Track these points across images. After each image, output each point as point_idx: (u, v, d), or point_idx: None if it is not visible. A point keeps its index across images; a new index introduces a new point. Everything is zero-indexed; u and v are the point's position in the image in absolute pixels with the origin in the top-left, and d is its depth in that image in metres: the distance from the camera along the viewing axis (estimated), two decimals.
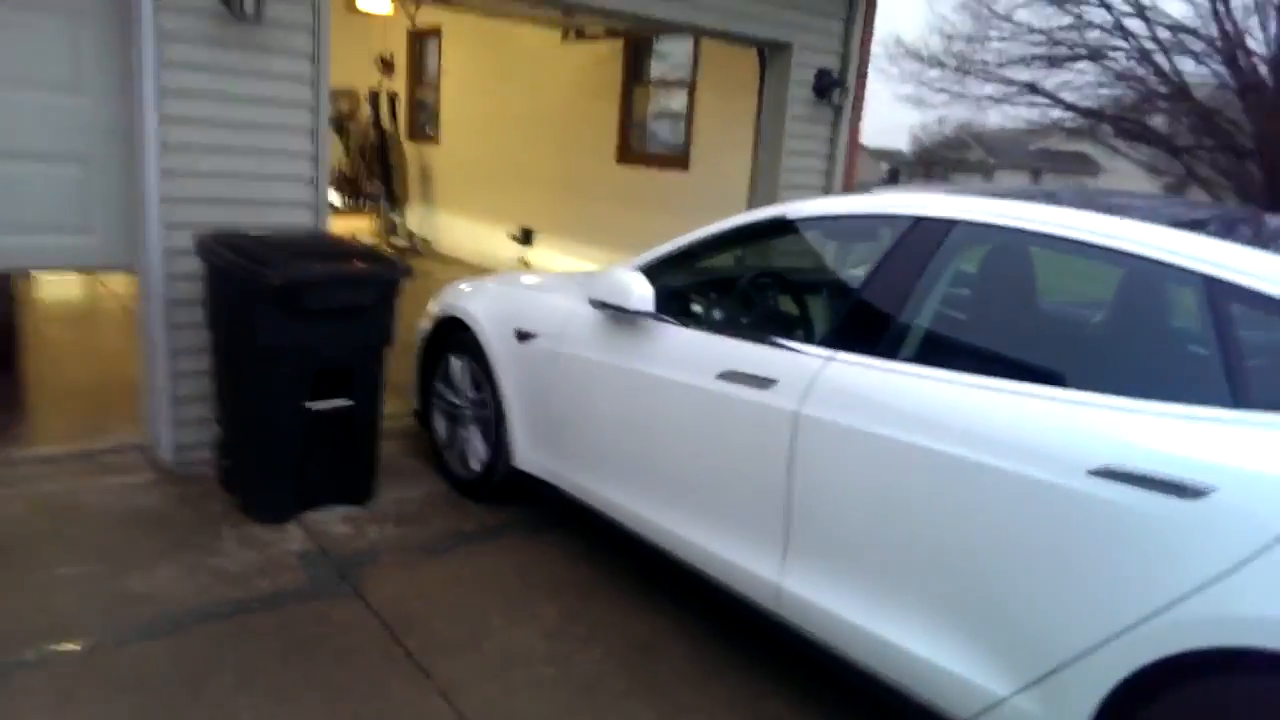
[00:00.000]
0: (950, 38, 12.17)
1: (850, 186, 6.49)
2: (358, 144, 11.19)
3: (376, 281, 3.63)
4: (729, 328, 3.10)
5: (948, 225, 2.59)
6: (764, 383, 2.70)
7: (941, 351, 2.48)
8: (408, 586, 3.28)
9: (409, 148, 10.87)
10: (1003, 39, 11.67)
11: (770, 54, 6.00)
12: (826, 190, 6.31)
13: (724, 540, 2.84)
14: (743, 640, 3.03)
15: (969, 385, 2.29)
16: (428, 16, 9.91)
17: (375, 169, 10.70)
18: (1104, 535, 1.97)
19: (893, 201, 2.83)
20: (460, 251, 10.17)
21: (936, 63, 12.43)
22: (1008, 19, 11.40)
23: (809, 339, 2.94)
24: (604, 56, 8.08)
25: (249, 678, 2.67)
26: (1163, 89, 13.22)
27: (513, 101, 9.21)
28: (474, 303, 3.98)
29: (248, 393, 3.64)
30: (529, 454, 3.71)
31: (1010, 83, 12.01)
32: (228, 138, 4.00)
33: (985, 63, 11.90)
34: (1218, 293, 2.07)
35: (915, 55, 12.58)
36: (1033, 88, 12.09)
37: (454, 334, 4.05)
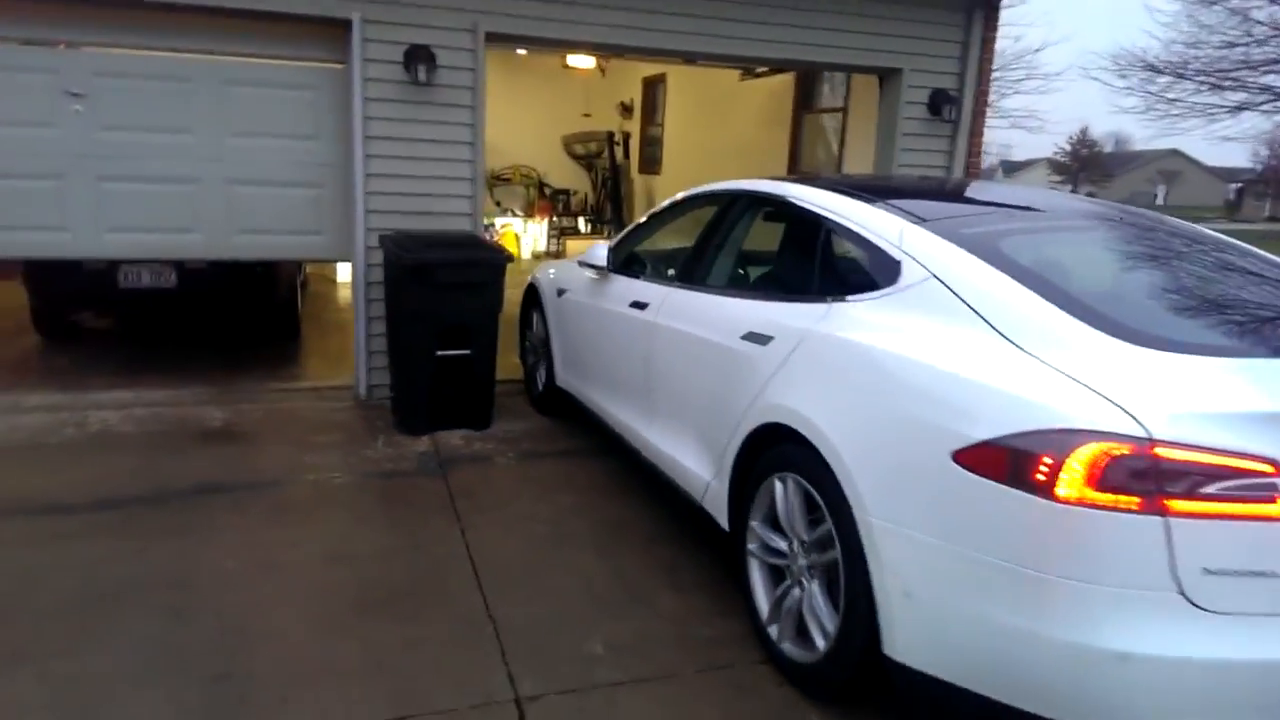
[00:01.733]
0: (1193, 45, 11.44)
1: None
2: (600, 178, 13.03)
3: (485, 265, 5.04)
4: (640, 275, 4.46)
5: (733, 196, 3.93)
6: (644, 307, 4.10)
7: (691, 276, 3.96)
8: (478, 476, 4.62)
9: (640, 180, 12.50)
10: (1245, 43, 10.82)
11: (884, 78, 6.75)
12: None
13: (630, 412, 4.24)
14: (683, 524, 3.99)
15: (695, 294, 3.80)
16: (656, 65, 11.45)
17: (609, 198, 12.45)
18: (740, 367, 3.21)
19: (727, 184, 4.10)
20: None
21: (1172, 71, 11.73)
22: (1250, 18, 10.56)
23: (670, 279, 4.14)
24: (778, 90, 9.10)
25: (355, 506, 4.14)
26: None
27: (711, 134, 10.48)
28: (540, 273, 5.65)
29: (399, 343, 5.20)
30: (563, 375, 5.24)
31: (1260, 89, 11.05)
32: (410, 168, 5.64)
33: (1222, 70, 11.08)
34: (824, 227, 3.24)
35: (1150, 66, 11.95)
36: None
37: (531, 296, 5.70)
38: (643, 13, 5.84)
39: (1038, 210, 3.57)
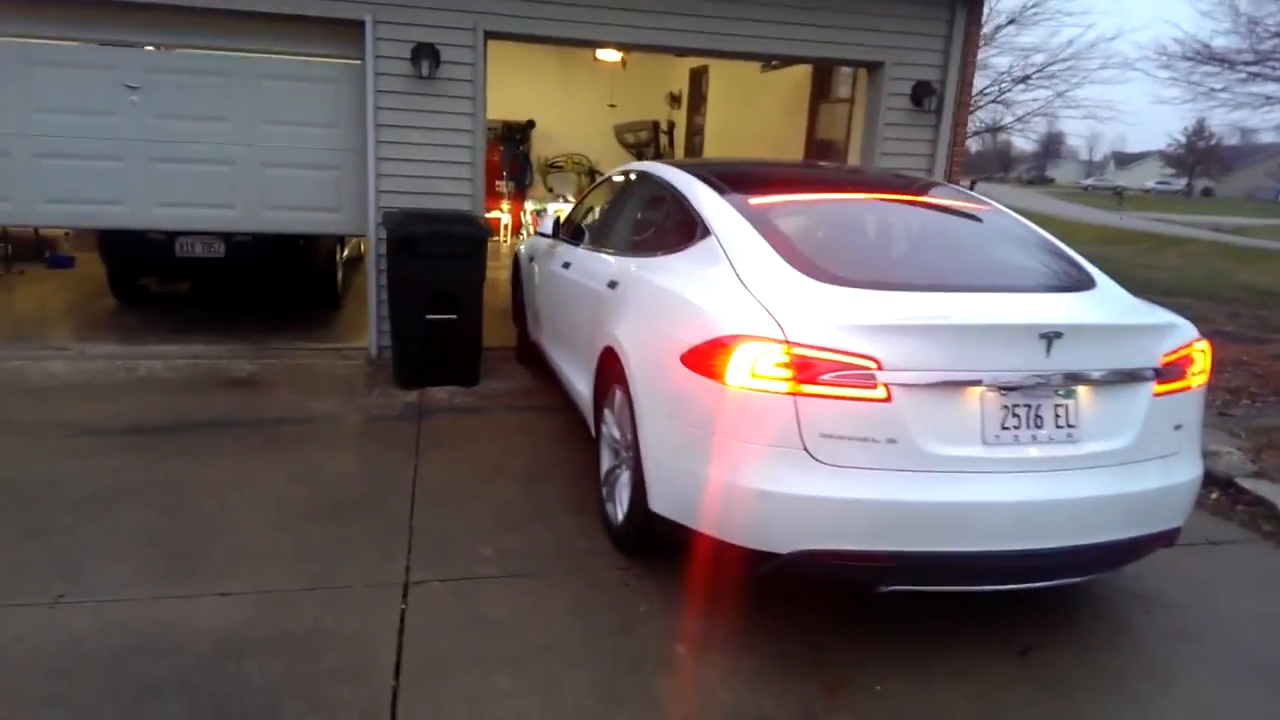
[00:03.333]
0: (1247, 28, 11.06)
1: (955, 184, 7.28)
2: None
3: (464, 238, 5.69)
4: (572, 240, 5.17)
5: (628, 174, 4.67)
6: (567, 265, 4.79)
7: (595, 239, 4.78)
8: (449, 423, 5.28)
9: None
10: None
11: (870, 70, 7.12)
12: None
13: (557, 350, 5.17)
14: None
15: (591, 253, 4.61)
16: (700, 56, 11.91)
17: None
18: (602, 306, 3.98)
19: (628, 165, 4.91)
20: None
21: (1215, 59, 11.41)
22: None
23: (583, 241, 4.83)
24: (800, 81, 9.48)
25: (334, 442, 4.85)
26: None
27: (743, 123, 10.91)
28: (522, 245, 6.44)
29: (395, 308, 5.90)
30: (533, 329, 5.97)
31: None
32: (416, 153, 6.34)
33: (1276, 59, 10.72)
34: (668, 197, 3.98)
35: (1200, 54, 11.65)
36: None
37: (515, 264, 6.50)
38: (629, 10, 6.37)
39: (828, 184, 4.34)
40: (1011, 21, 19.98)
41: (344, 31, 6.15)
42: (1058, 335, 2.69)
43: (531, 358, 6.25)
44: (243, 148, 6.29)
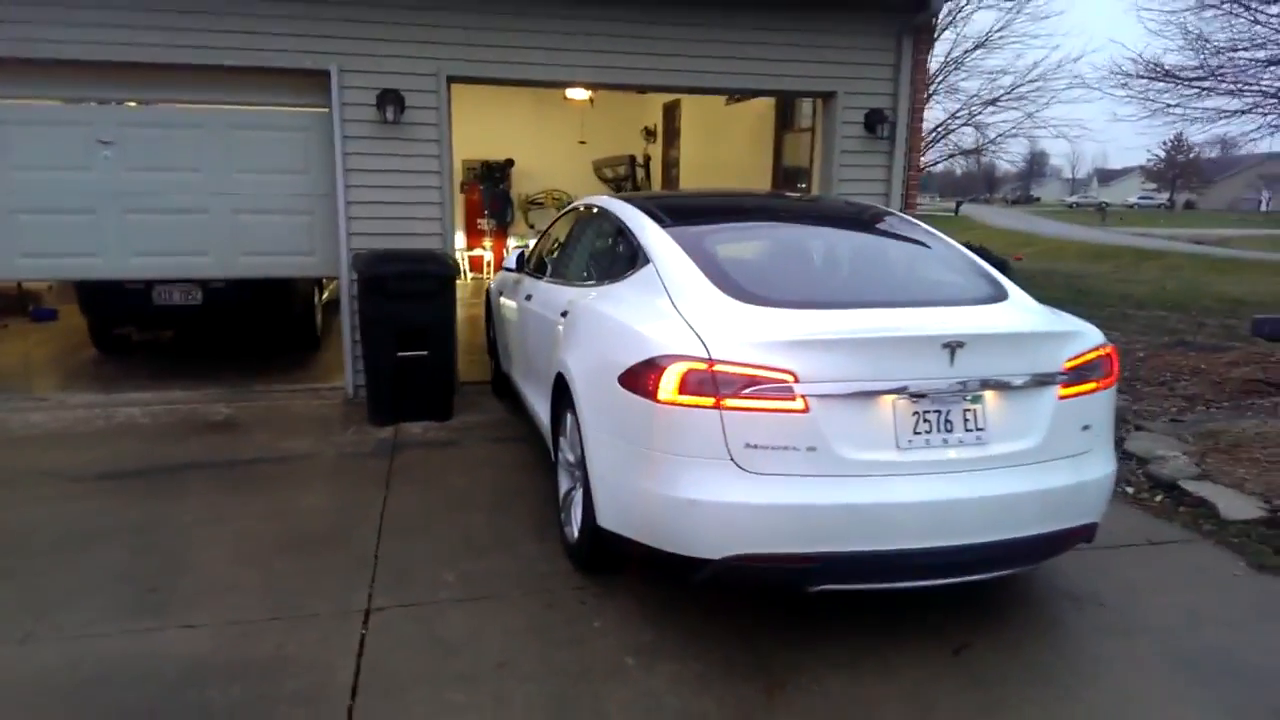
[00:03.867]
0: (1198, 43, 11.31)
1: (911, 206, 7.50)
2: None
3: (431, 276, 5.86)
4: (535, 273, 5.35)
5: (583, 207, 4.86)
6: (529, 297, 5.03)
7: (553, 271, 4.99)
8: (420, 458, 5.42)
9: None
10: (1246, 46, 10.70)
11: (825, 100, 7.36)
12: None
13: (523, 379, 5.35)
14: None
15: (549, 284, 4.78)
16: (659, 92, 12.21)
17: None
18: (555, 334, 4.14)
19: (585, 199, 5.06)
20: None
21: (1168, 76, 11.66)
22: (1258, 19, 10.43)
23: (545, 275, 5.00)
24: (764, 113, 9.74)
25: (305, 479, 4.98)
26: None
27: (714, 153, 11.17)
28: (493, 281, 6.63)
29: (367, 346, 6.05)
30: (504, 361, 6.14)
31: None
32: (384, 195, 6.54)
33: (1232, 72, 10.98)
34: (617, 228, 4.10)
35: (1153, 72, 11.92)
36: None
37: (487, 299, 6.72)
38: (585, 51, 6.61)
39: (766, 213, 4.65)
40: (979, 46, 20.40)
41: (311, 81, 6.37)
42: (960, 345, 2.86)
43: (506, 390, 6.41)
44: (216, 196, 6.49)
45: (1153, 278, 19.64)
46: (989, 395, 2.98)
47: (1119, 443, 5.65)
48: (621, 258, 3.93)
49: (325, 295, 8.81)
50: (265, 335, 8.49)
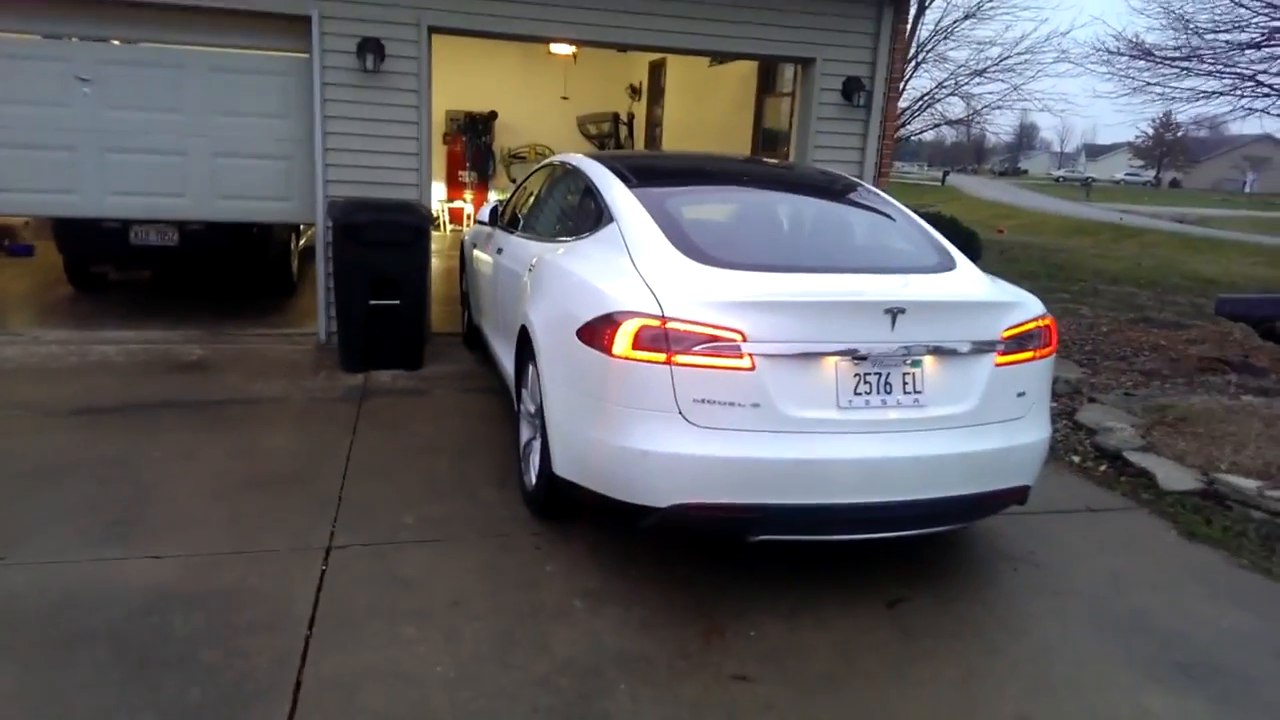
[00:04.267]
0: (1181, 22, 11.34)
1: (885, 175, 7.58)
2: None
3: (406, 226, 5.92)
4: (507, 227, 5.37)
5: (555, 164, 4.92)
6: (500, 251, 5.10)
7: (524, 226, 5.04)
8: (388, 404, 5.52)
9: None
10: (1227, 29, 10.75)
11: (800, 67, 7.40)
12: (860, 178, 7.48)
13: (491, 331, 5.43)
14: None
15: (520, 239, 4.85)
16: (641, 51, 12.16)
17: None
18: (522, 288, 4.21)
19: (558, 156, 5.12)
20: None
21: (1147, 55, 11.72)
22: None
23: (516, 230, 5.06)
24: (746, 75, 9.75)
25: (274, 421, 5.07)
26: None
27: (698, 115, 11.18)
28: (467, 234, 6.72)
29: (340, 293, 6.12)
30: (475, 314, 6.21)
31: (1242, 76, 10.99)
32: (362, 144, 6.56)
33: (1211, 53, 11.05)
34: (586, 187, 4.15)
35: (1134, 49, 11.97)
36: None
37: (461, 252, 6.75)
38: (570, 7, 6.62)
39: (732, 177, 4.74)
40: (969, 16, 20.34)
41: (292, 26, 6.35)
42: (901, 310, 2.99)
43: (476, 342, 6.50)
44: (194, 138, 6.48)
45: (1130, 254, 19.87)
46: (928, 360, 3.12)
47: (1071, 414, 5.84)
48: (588, 215, 4.02)
49: (303, 242, 8.83)
50: (241, 279, 8.52)
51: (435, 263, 10.42)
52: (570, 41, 7.20)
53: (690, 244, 3.36)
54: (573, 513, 3.81)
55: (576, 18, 6.67)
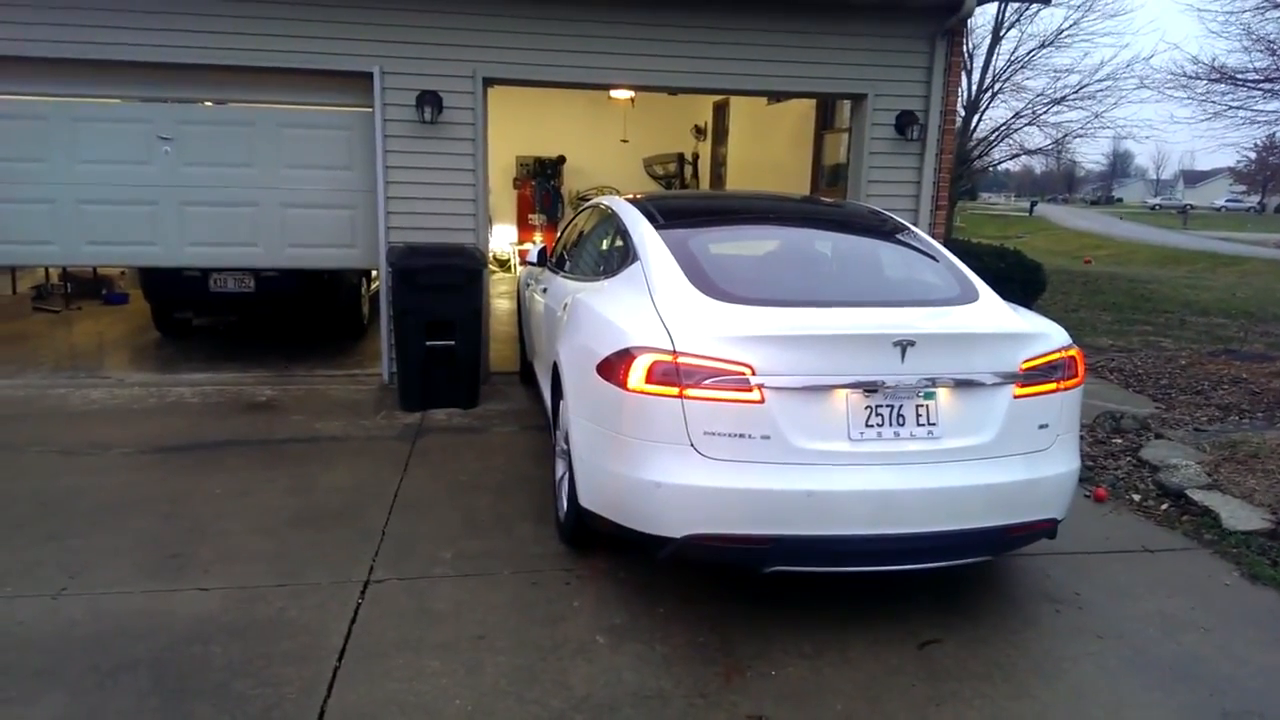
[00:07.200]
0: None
1: (942, 207, 7.49)
2: None
3: (460, 269, 6.11)
4: (553, 268, 5.54)
5: (593, 206, 5.11)
6: (544, 291, 5.23)
7: (566, 266, 5.20)
8: (441, 442, 5.67)
9: None
10: None
11: (853, 102, 7.41)
12: (916, 212, 7.42)
13: (539, 368, 5.40)
14: None
15: (561, 278, 4.99)
16: (692, 94, 12.30)
17: None
18: (557, 325, 4.37)
19: (598, 198, 5.34)
20: None
21: (1227, 78, 11.23)
22: None
23: (560, 270, 5.18)
24: (805, 113, 9.79)
25: (331, 459, 5.27)
26: None
27: (759, 153, 11.25)
28: (521, 273, 6.96)
29: (398, 335, 6.34)
30: (530, 355, 6.30)
31: None
32: (421, 191, 6.82)
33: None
34: (618, 228, 4.27)
35: (1215, 73, 11.49)
36: None
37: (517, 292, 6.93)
38: (614, 54, 6.79)
39: (761, 215, 4.80)
40: (1044, 45, 19.96)
41: (355, 82, 6.67)
42: (910, 343, 2.97)
43: (532, 379, 6.63)
44: (265, 190, 6.84)
45: (1225, 284, 19.01)
46: (942, 392, 3.09)
47: (1135, 450, 5.62)
48: (618, 255, 4.11)
49: (373, 286, 9.15)
50: (314, 323, 8.88)
51: (504, 304, 10.72)
52: (625, 87, 7.38)
53: (707, 281, 3.42)
54: (603, 543, 3.86)
55: (629, 64, 6.83)
